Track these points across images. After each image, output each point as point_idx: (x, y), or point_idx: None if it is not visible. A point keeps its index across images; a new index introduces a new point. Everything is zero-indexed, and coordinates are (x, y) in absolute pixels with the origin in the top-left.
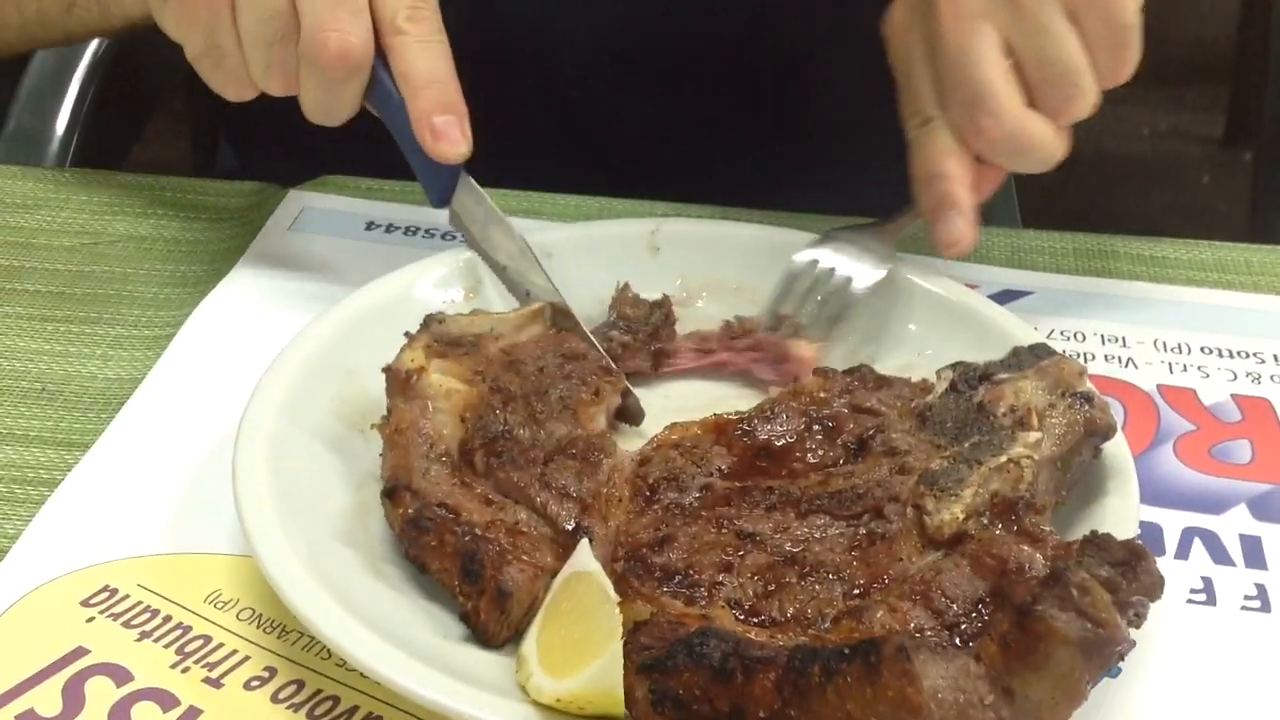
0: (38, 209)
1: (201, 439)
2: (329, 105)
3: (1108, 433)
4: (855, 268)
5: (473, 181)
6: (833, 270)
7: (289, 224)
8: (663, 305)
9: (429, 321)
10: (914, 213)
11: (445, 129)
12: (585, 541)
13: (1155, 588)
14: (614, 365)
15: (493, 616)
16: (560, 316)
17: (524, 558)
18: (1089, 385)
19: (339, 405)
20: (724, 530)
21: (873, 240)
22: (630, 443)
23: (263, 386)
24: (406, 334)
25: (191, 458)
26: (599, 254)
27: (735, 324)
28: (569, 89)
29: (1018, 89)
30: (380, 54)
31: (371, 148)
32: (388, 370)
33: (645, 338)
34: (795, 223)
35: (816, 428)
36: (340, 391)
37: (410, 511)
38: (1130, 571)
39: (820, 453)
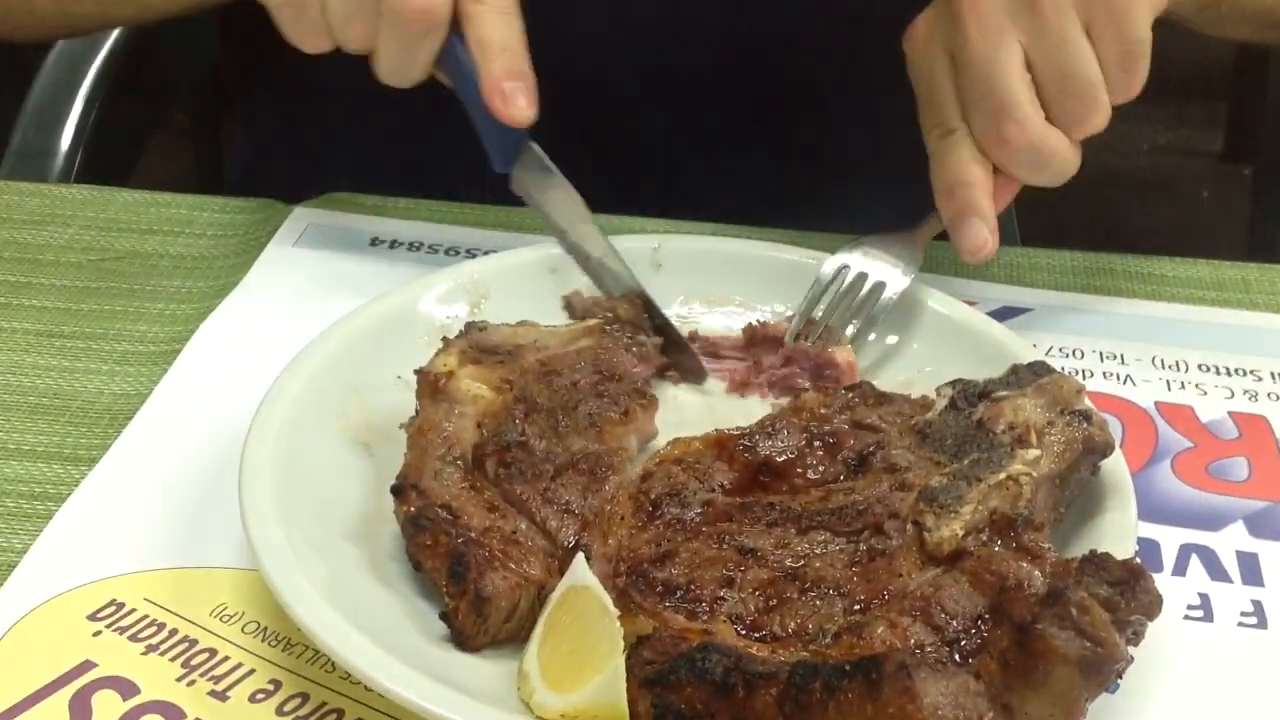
0: (44, 225)
1: (207, 453)
2: (403, 63)
3: (1106, 450)
4: (885, 274)
5: (537, 147)
6: (863, 276)
7: (294, 240)
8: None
9: (469, 328)
10: (937, 220)
11: (514, 94)
12: (581, 555)
13: (1153, 606)
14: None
15: (469, 620)
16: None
17: (510, 566)
18: (1087, 403)
19: (344, 419)
20: (725, 546)
21: (901, 247)
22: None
23: (268, 401)
24: (444, 339)
25: (197, 472)
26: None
27: (758, 326)
28: (587, 102)
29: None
30: (454, 24)
31: (377, 164)
32: (419, 372)
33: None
34: (798, 240)
35: (817, 444)
36: (345, 406)
37: (412, 510)
38: (1129, 590)
39: (821, 469)
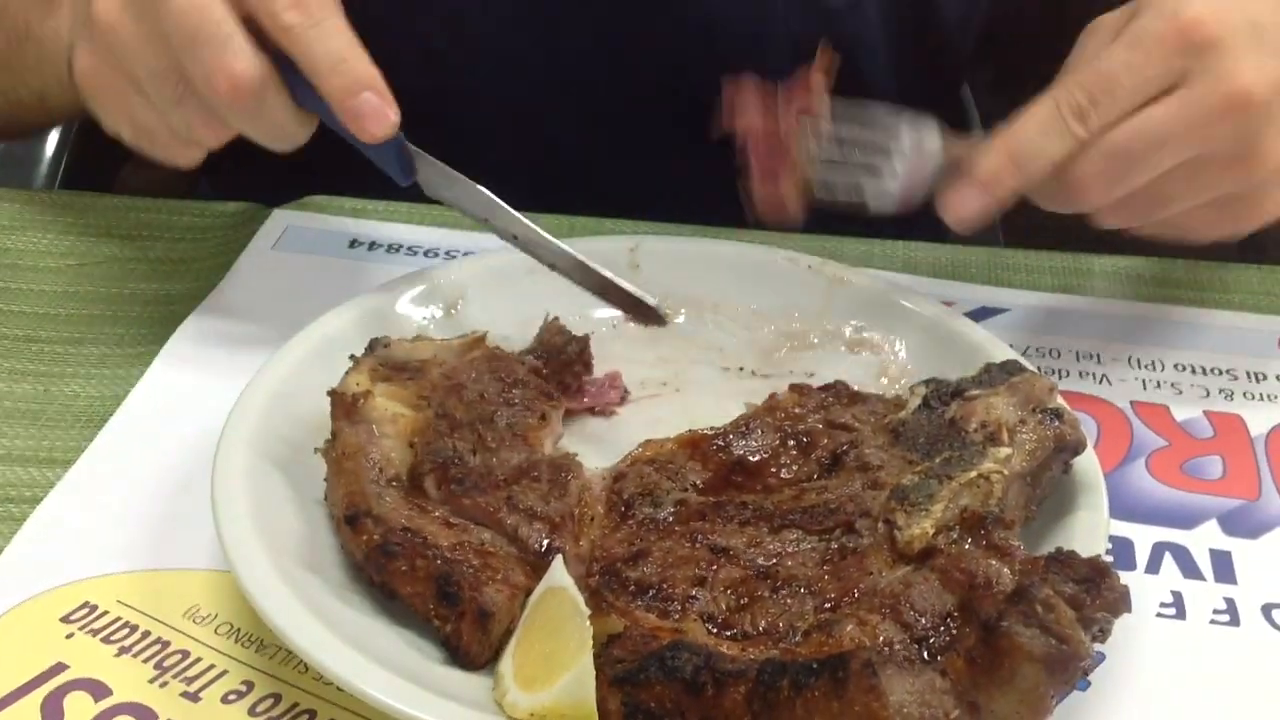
0: (25, 231)
1: (182, 456)
2: (268, 133)
3: (1077, 448)
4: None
5: (418, 150)
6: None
7: (272, 243)
8: (581, 343)
9: (374, 345)
10: (969, 147)
11: (363, 109)
12: (559, 558)
13: (1118, 604)
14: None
15: (475, 638)
16: (567, 263)
17: (497, 577)
18: (1059, 401)
19: (318, 421)
20: (698, 545)
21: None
22: (597, 456)
23: (242, 403)
24: (352, 357)
25: (171, 474)
26: None
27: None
28: (527, 133)
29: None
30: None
31: (355, 166)
32: (332, 393)
33: (556, 367)
34: (777, 241)
35: (791, 443)
36: (319, 408)
37: (376, 538)
38: (1094, 588)
39: (794, 468)
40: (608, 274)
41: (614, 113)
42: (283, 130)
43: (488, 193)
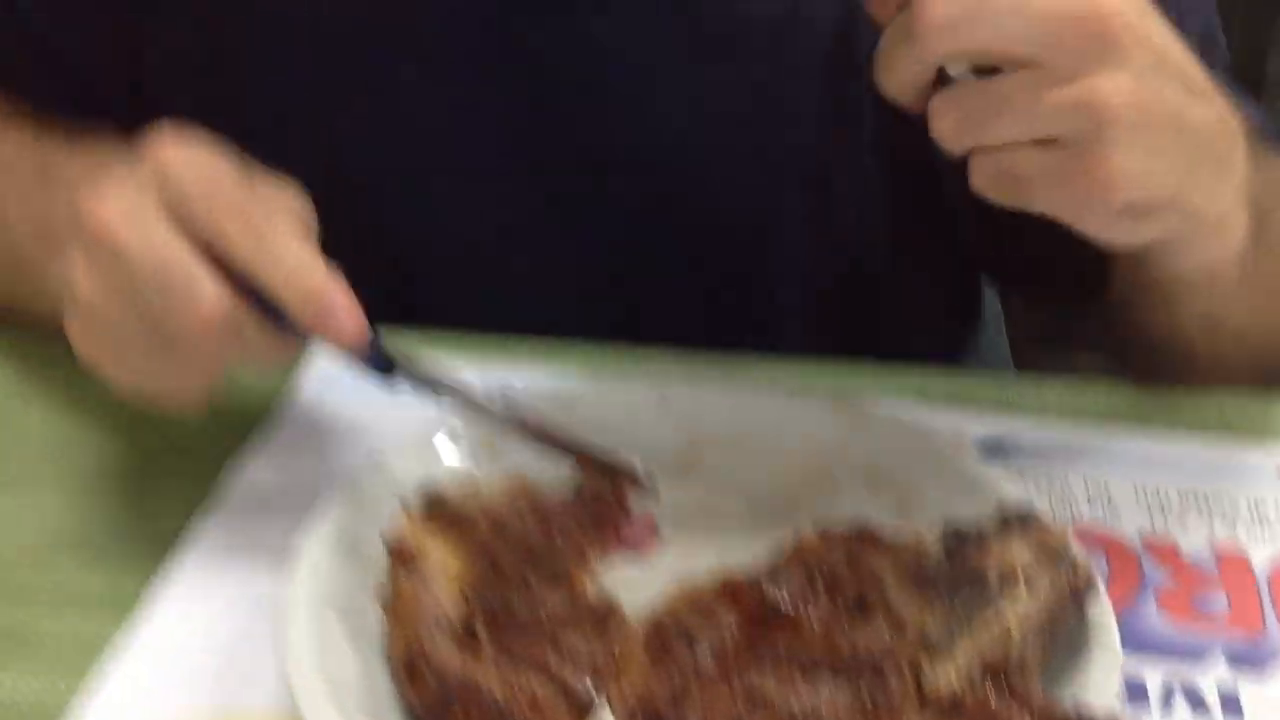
0: (80, 381)
1: (244, 601)
2: (260, 358)
3: (1091, 591)
4: None
5: (396, 349)
6: None
7: (313, 381)
8: (619, 486)
9: (424, 492)
10: None
11: (326, 319)
12: (605, 707)
13: None
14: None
15: None
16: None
17: None
18: (1073, 545)
19: (375, 565)
20: (734, 688)
21: None
22: (634, 597)
23: (301, 548)
24: (403, 504)
25: (234, 618)
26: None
27: None
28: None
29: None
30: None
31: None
32: (385, 542)
33: (595, 509)
34: (798, 377)
35: (820, 587)
36: (375, 552)
37: (433, 687)
38: None
39: (824, 612)
40: (578, 442)
41: (607, 237)
42: (273, 353)
43: (465, 383)
